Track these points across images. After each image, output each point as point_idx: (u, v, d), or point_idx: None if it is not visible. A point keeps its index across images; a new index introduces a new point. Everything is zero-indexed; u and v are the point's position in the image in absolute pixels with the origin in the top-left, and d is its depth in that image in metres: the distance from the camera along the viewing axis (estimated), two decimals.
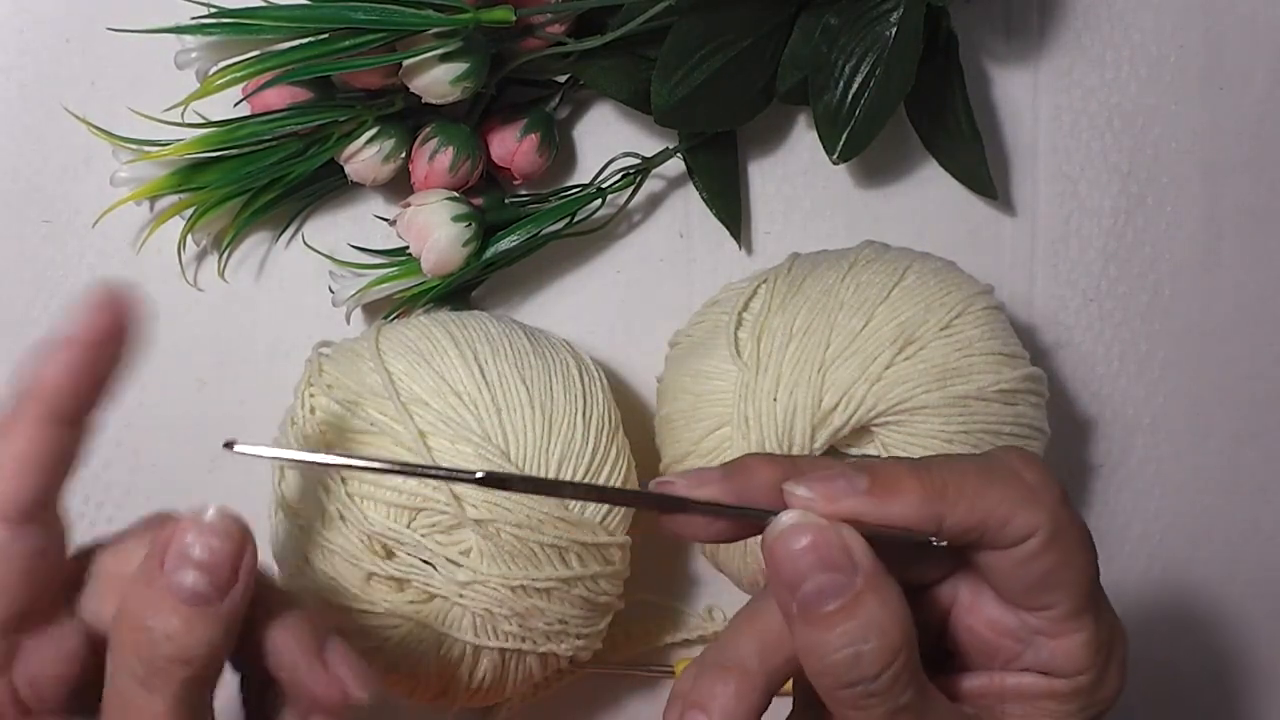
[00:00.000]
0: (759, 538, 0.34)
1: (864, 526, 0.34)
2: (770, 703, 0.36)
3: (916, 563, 0.36)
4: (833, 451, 0.49)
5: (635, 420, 0.54)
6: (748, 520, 0.35)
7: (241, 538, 0.35)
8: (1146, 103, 0.57)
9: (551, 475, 0.47)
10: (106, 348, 0.35)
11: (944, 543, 0.34)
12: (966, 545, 0.35)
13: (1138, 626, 0.60)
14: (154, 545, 0.34)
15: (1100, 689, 0.36)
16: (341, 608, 0.47)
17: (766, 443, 0.48)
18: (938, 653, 0.38)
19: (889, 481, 0.34)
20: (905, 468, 0.35)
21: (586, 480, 0.48)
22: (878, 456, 0.49)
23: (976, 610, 0.37)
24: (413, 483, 0.46)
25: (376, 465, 0.37)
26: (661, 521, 0.35)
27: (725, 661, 0.36)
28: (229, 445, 0.35)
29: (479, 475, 0.33)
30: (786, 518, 0.34)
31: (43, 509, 0.35)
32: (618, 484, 0.49)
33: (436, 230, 0.51)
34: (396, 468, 0.36)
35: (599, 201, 0.55)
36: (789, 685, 0.38)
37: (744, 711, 0.35)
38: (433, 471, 0.39)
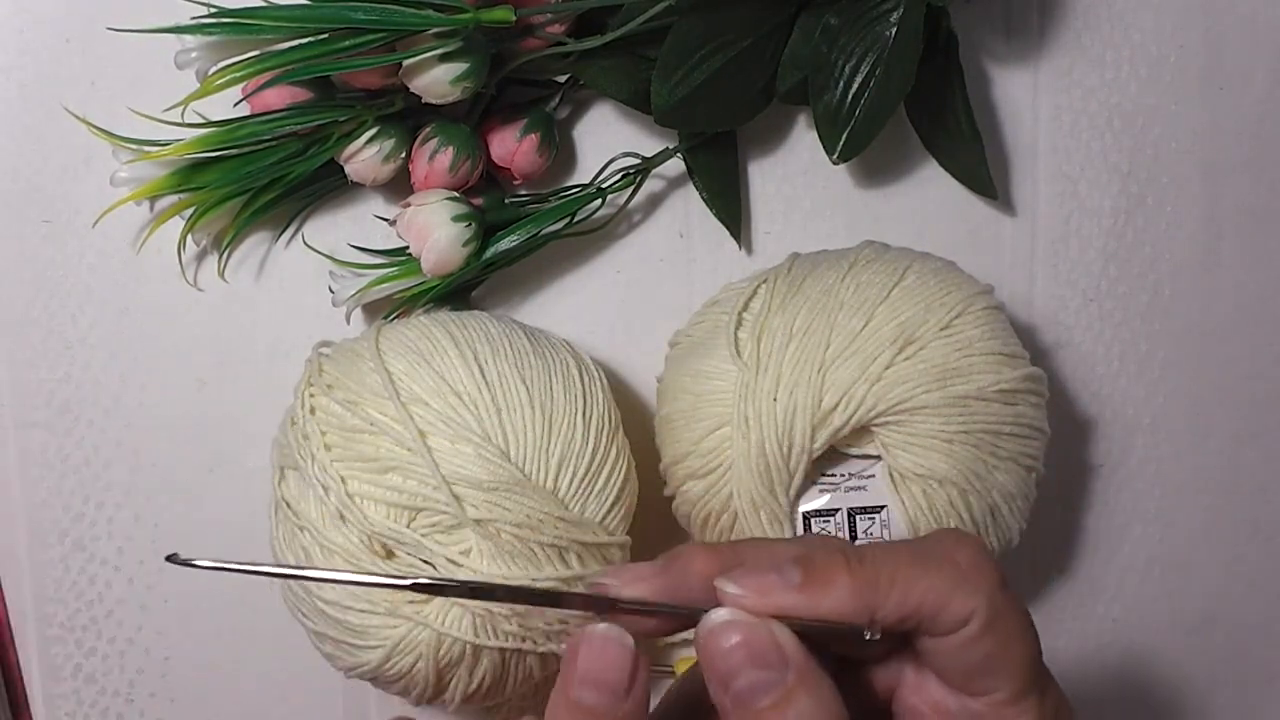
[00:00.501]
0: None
1: (796, 621, 0.34)
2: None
3: (855, 647, 0.36)
4: (833, 451, 0.49)
5: (635, 420, 0.54)
6: (680, 617, 0.35)
7: (629, 653, 0.34)
8: (1146, 103, 0.57)
9: (552, 475, 0.47)
10: None
11: (877, 635, 0.34)
12: (904, 633, 0.35)
13: (1137, 627, 0.60)
14: (564, 663, 0.35)
15: None
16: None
17: (766, 443, 0.48)
18: None
19: (820, 575, 0.34)
20: (839, 559, 0.35)
21: (585, 481, 0.48)
22: (877, 457, 0.49)
23: (922, 691, 0.37)
24: (412, 482, 0.46)
25: (300, 575, 0.38)
26: (598, 619, 0.35)
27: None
28: (170, 559, 0.35)
29: (408, 584, 0.33)
30: (716, 615, 0.34)
31: None
32: (617, 484, 0.49)
33: (436, 230, 0.51)
34: (330, 578, 0.37)
35: (599, 201, 0.55)
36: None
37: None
38: (366, 580, 0.38)
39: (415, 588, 0.33)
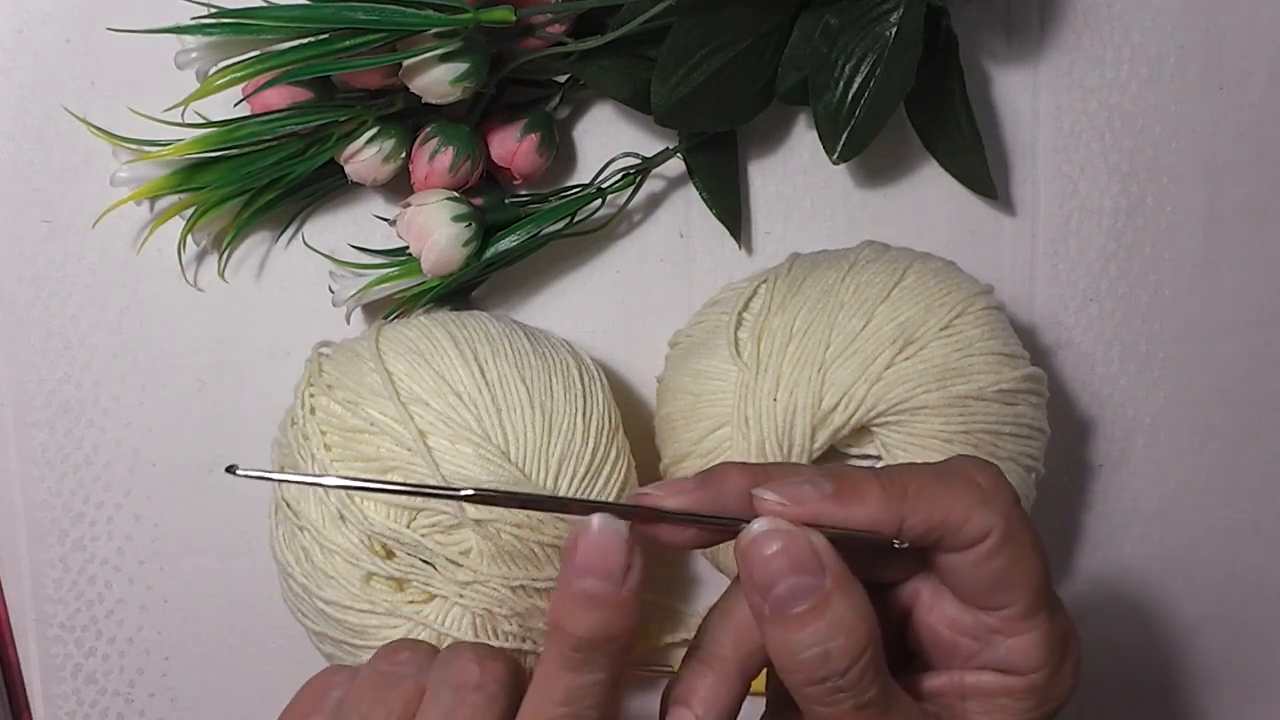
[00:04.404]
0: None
1: (830, 530, 0.35)
2: (748, 689, 0.38)
3: (879, 564, 0.38)
4: (833, 452, 0.49)
5: (635, 420, 0.54)
6: (720, 527, 0.36)
7: (623, 541, 0.35)
8: (1146, 103, 0.57)
9: (552, 475, 0.47)
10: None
11: (905, 544, 0.36)
12: (925, 547, 0.36)
13: (1137, 627, 0.60)
14: (563, 558, 0.36)
15: (1054, 687, 0.38)
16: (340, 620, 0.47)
17: (766, 443, 0.48)
18: (900, 653, 0.40)
19: (853, 486, 0.36)
20: (869, 474, 0.36)
21: (585, 481, 0.48)
22: (878, 457, 0.49)
23: (937, 610, 0.39)
24: (412, 481, 0.46)
25: (372, 485, 0.41)
26: (640, 529, 0.37)
27: (702, 656, 0.38)
28: (231, 470, 0.36)
29: (466, 493, 0.34)
30: (757, 525, 0.35)
31: None
32: (617, 484, 0.49)
33: (436, 230, 0.51)
34: (391, 487, 0.38)
35: (599, 201, 0.55)
36: (761, 683, 0.40)
37: (724, 699, 0.38)
38: (417, 490, 0.41)
39: (472, 498, 0.34)
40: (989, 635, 0.37)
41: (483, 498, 0.36)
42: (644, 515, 0.36)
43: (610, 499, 0.48)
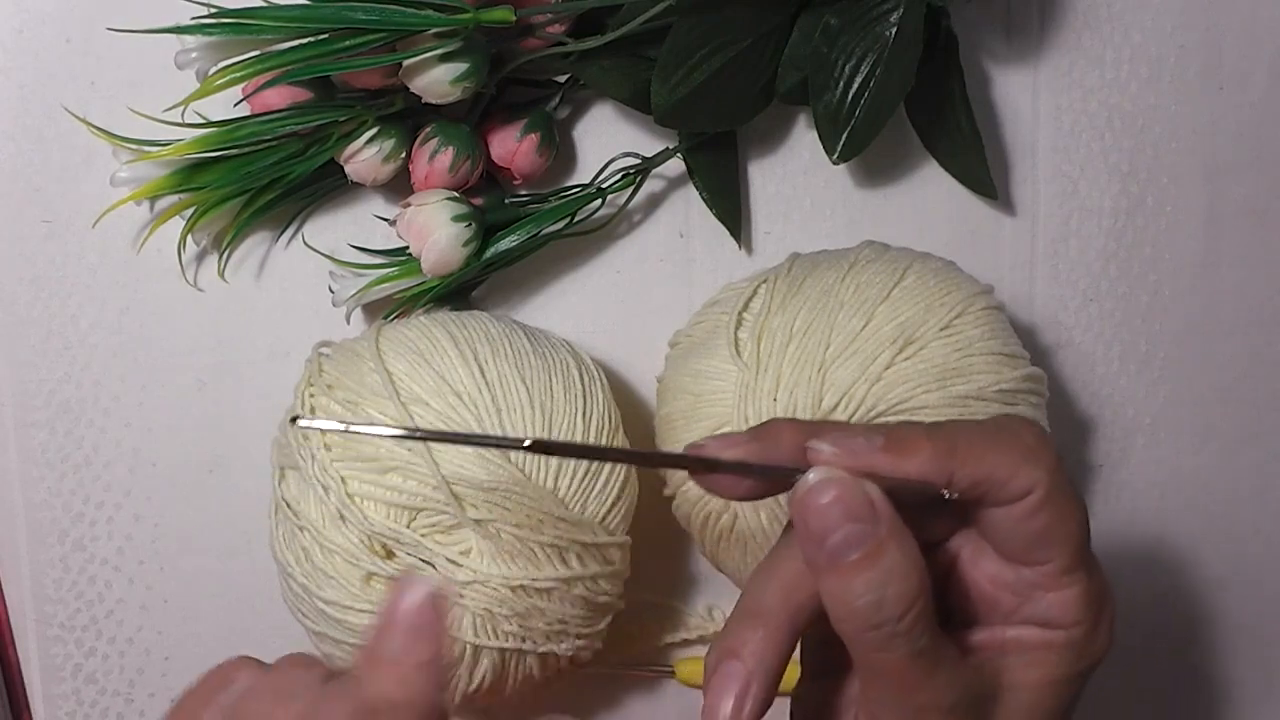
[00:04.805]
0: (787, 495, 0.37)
1: (881, 481, 0.36)
2: (794, 645, 0.39)
3: (924, 520, 0.38)
4: None
5: (635, 420, 0.54)
6: (773, 479, 0.37)
7: (434, 620, 0.33)
8: (1146, 103, 0.57)
9: (552, 475, 0.47)
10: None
11: (955, 495, 0.37)
12: (972, 501, 0.37)
13: (1137, 627, 0.60)
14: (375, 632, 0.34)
15: (1092, 643, 0.38)
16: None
17: None
18: (941, 611, 0.40)
19: (904, 439, 0.37)
20: (918, 428, 0.37)
21: (585, 480, 0.48)
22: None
23: (978, 566, 0.39)
24: (412, 483, 0.46)
25: (433, 435, 0.44)
26: (696, 480, 0.37)
27: (752, 609, 0.38)
28: (294, 420, 0.39)
29: (527, 443, 0.35)
30: (813, 475, 0.36)
31: None
32: (617, 484, 0.49)
33: (436, 230, 0.51)
34: (450, 438, 0.39)
35: (599, 201, 0.55)
36: (789, 683, 0.40)
37: (773, 652, 0.38)
38: (479, 440, 0.43)
39: (532, 448, 0.35)
40: (1030, 590, 0.38)
41: (543, 446, 0.36)
42: (702, 466, 0.37)
43: (610, 498, 0.48)
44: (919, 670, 0.35)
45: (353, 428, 0.37)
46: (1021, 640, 0.38)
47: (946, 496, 0.36)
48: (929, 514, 0.38)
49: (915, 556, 0.36)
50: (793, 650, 0.39)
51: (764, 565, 0.39)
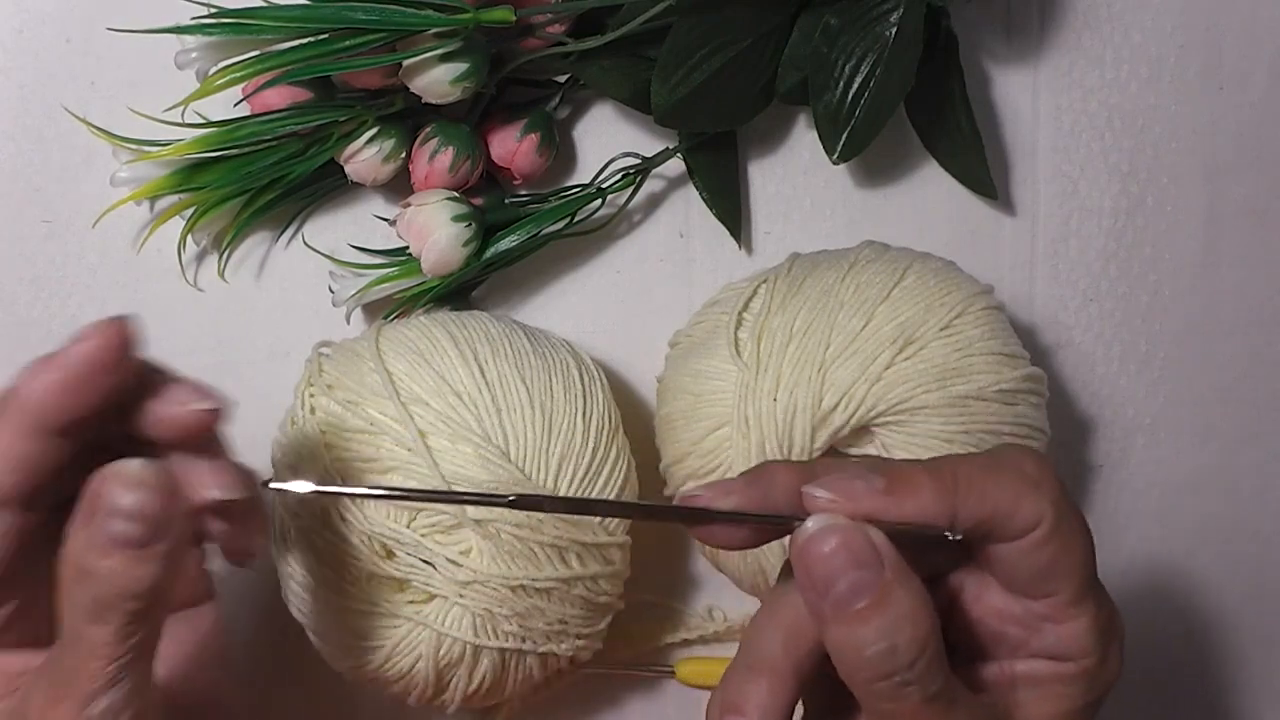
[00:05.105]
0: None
1: (882, 525, 0.35)
2: (799, 695, 0.37)
3: (925, 556, 0.37)
4: (833, 452, 0.49)
5: (635, 420, 0.54)
6: (770, 525, 0.36)
7: (168, 488, 0.36)
8: (1146, 103, 0.57)
9: (552, 475, 0.47)
10: (95, 376, 0.38)
11: (958, 536, 0.36)
12: (976, 538, 0.36)
13: (1138, 627, 0.60)
14: (85, 497, 0.36)
15: (1103, 671, 0.38)
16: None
17: (766, 443, 0.48)
18: (945, 645, 0.39)
19: (904, 480, 0.35)
20: (917, 467, 0.36)
21: (585, 481, 0.48)
22: (879, 457, 0.49)
23: (983, 600, 0.38)
24: (413, 483, 0.46)
25: (409, 494, 0.42)
26: (691, 533, 0.36)
27: (753, 661, 0.37)
28: (266, 484, 0.38)
29: (510, 499, 0.34)
30: (813, 522, 0.35)
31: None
32: (617, 484, 0.49)
33: (436, 230, 0.51)
34: (429, 496, 0.38)
35: (599, 201, 0.55)
36: None
37: (777, 706, 0.37)
38: (464, 498, 0.41)
39: (514, 504, 0.34)
40: (1038, 623, 0.37)
41: (525, 503, 0.35)
42: (695, 517, 0.36)
43: (610, 499, 0.48)
44: (933, 715, 0.34)
45: (323, 489, 0.37)
46: (1033, 674, 0.38)
47: (950, 537, 0.36)
48: (930, 550, 0.37)
49: (923, 598, 0.34)
50: (797, 701, 0.37)
51: (763, 611, 0.38)
